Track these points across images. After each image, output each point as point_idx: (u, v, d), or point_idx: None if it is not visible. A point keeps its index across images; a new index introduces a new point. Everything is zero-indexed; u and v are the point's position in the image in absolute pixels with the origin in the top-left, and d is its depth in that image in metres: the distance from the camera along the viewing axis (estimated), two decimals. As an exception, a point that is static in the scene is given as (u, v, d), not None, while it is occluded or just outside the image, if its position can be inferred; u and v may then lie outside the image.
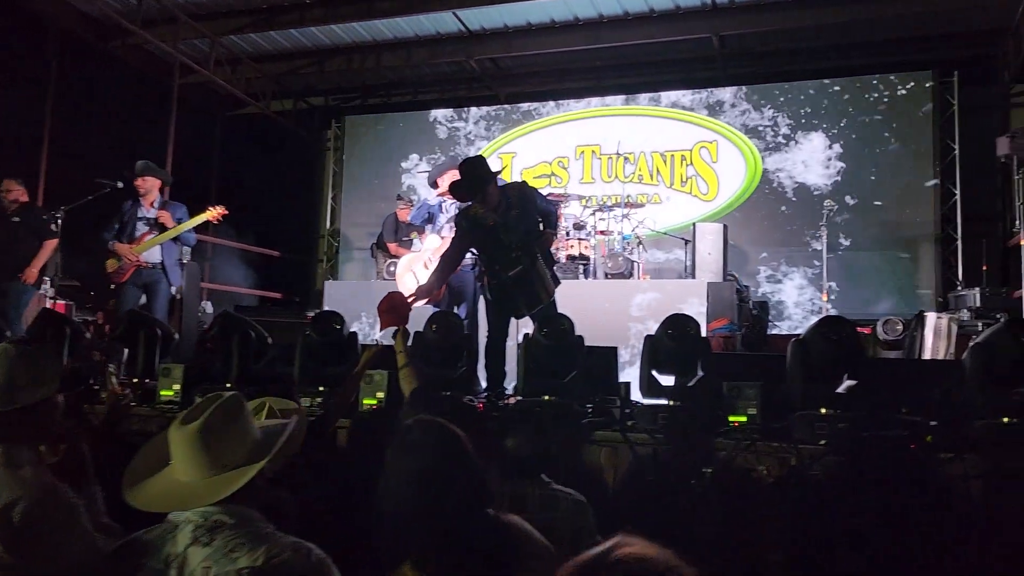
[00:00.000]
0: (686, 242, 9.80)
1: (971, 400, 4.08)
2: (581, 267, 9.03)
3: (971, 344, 4.34)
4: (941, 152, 10.74)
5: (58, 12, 10.59)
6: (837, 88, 11.22)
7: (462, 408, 4.27)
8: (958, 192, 10.66)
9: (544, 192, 8.53)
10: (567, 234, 9.22)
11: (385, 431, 2.41)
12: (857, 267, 10.72)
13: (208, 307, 10.39)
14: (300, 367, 5.26)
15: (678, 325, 4.67)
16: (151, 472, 2.14)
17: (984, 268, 9.65)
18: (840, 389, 4.17)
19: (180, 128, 11.14)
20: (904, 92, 10.91)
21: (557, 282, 5.72)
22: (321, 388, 5.08)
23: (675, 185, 11.72)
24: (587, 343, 5.02)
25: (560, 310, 5.46)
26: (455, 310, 6.67)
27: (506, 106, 12.94)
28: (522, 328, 5.59)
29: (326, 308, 7.77)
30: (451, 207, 7.14)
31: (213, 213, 7.58)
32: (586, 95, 12.55)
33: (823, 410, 4.05)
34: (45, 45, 10.51)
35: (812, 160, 11.16)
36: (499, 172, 5.85)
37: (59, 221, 7.64)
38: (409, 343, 4.21)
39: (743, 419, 4.18)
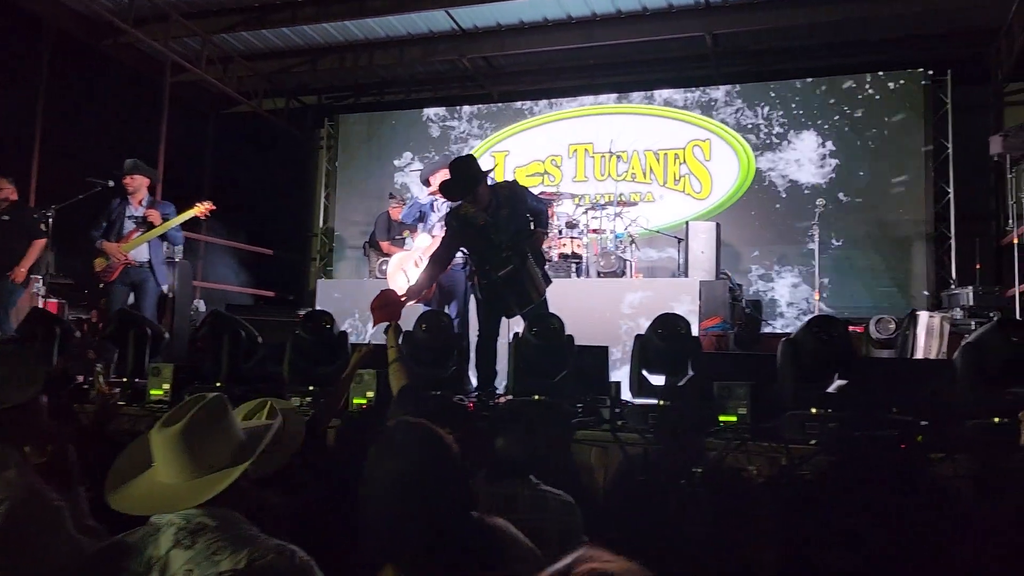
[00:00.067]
0: (679, 240, 9.81)
1: (962, 400, 4.07)
2: (574, 265, 9.03)
3: (962, 344, 4.33)
4: (934, 151, 10.75)
5: (50, 11, 10.53)
6: (830, 87, 11.23)
7: (452, 407, 4.24)
8: (951, 191, 10.68)
9: (537, 190, 8.53)
10: (560, 232, 9.22)
11: (374, 430, 2.40)
12: (850, 265, 10.74)
13: (201, 306, 10.35)
14: (290, 366, 5.24)
15: (668, 324, 4.65)
16: (133, 474, 2.12)
17: (977, 267, 9.64)
18: (831, 389, 4.17)
19: (172, 127, 11.12)
20: (897, 91, 10.92)
21: (548, 281, 5.71)
22: (311, 387, 5.06)
23: (668, 183, 11.72)
24: (580, 342, 5.01)
25: (552, 309, 5.45)
26: (446, 309, 6.66)
27: (499, 104, 12.93)
28: (513, 327, 5.58)
29: (318, 307, 7.76)
30: (443, 206, 7.13)
31: (201, 209, 7.55)
32: (579, 93, 12.53)
33: (814, 410, 4.03)
34: (37, 43, 10.46)
35: (805, 158, 11.17)
36: (489, 171, 5.84)
37: (49, 220, 7.62)
38: (400, 340, 4.20)
39: (733, 419, 4.17)
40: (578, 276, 8.94)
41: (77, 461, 2.84)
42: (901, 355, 7.34)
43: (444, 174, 6.38)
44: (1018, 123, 9.31)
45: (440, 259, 5.74)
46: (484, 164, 5.75)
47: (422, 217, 7.62)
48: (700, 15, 10.72)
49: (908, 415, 3.92)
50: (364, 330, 8.37)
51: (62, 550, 2.21)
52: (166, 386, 5.24)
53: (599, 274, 8.78)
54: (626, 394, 4.85)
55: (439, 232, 6.99)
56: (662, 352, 4.65)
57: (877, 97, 10.97)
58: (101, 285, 7.40)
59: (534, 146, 12.46)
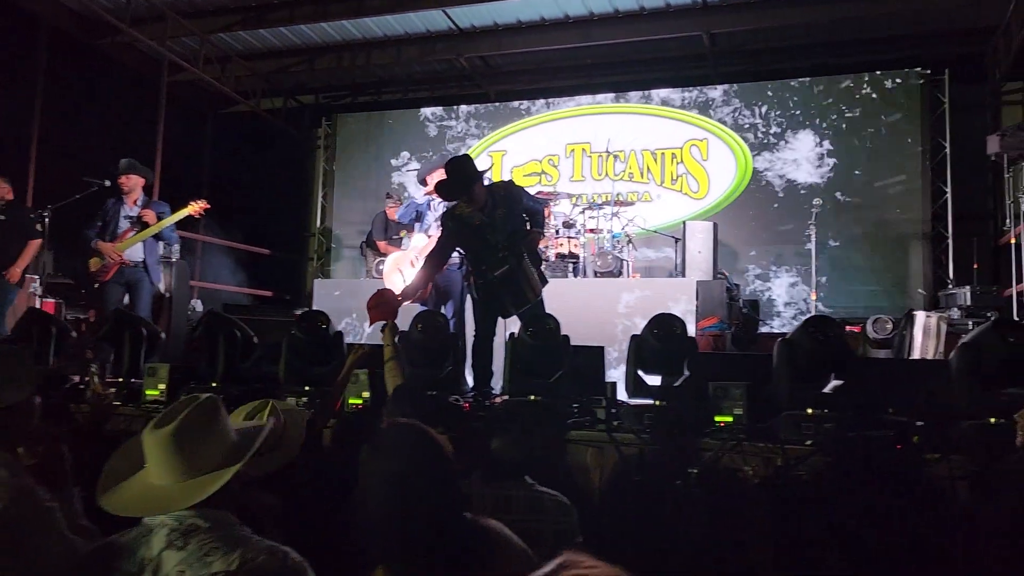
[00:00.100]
0: (676, 240, 9.80)
1: (958, 400, 4.07)
2: (570, 265, 9.02)
3: (959, 344, 4.32)
4: (932, 150, 10.75)
5: (47, 10, 10.54)
6: (827, 86, 11.22)
7: (448, 408, 4.24)
8: (949, 190, 10.69)
9: (534, 190, 8.53)
10: (557, 232, 9.21)
11: (370, 431, 2.39)
12: (848, 265, 10.74)
13: (198, 306, 10.33)
14: (286, 366, 5.23)
15: (664, 325, 4.65)
16: (125, 476, 2.11)
17: (975, 266, 9.65)
18: (827, 389, 4.16)
19: (170, 126, 11.11)
20: (894, 90, 10.92)
21: (545, 281, 5.70)
22: (307, 388, 5.05)
23: (665, 183, 11.72)
24: (577, 342, 5.00)
25: (549, 309, 5.44)
26: (442, 309, 6.65)
27: (496, 104, 12.93)
28: (509, 327, 5.58)
29: (316, 307, 7.75)
30: (439, 206, 7.11)
31: (195, 207, 7.54)
32: (576, 93, 12.53)
33: (809, 410, 4.03)
34: (34, 43, 10.45)
35: (802, 158, 11.17)
36: (485, 171, 5.83)
37: (45, 220, 7.62)
38: (397, 339, 4.19)
39: (729, 419, 4.17)
40: (575, 276, 8.93)
41: (71, 461, 2.83)
42: (898, 355, 7.33)
43: (441, 174, 6.37)
44: (1015, 122, 9.32)
45: (436, 259, 5.73)
46: (481, 164, 5.74)
47: (418, 217, 7.60)
48: (697, 14, 10.73)
49: (904, 415, 3.91)
50: (361, 330, 8.36)
51: (54, 551, 2.21)
52: (162, 386, 5.23)
53: (596, 274, 8.77)
54: (622, 394, 4.85)
55: (435, 232, 6.98)
56: (658, 352, 4.65)
57: (874, 96, 10.97)
58: (96, 285, 7.39)
59: (531, 146, 12.45)
